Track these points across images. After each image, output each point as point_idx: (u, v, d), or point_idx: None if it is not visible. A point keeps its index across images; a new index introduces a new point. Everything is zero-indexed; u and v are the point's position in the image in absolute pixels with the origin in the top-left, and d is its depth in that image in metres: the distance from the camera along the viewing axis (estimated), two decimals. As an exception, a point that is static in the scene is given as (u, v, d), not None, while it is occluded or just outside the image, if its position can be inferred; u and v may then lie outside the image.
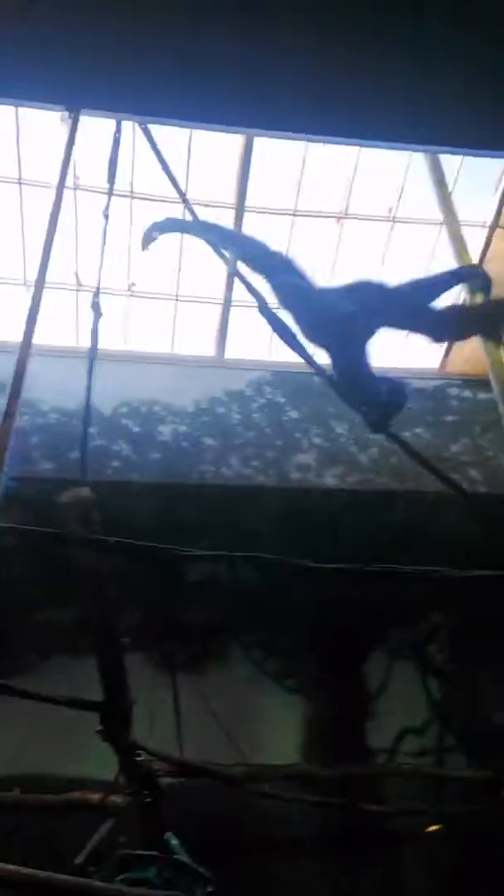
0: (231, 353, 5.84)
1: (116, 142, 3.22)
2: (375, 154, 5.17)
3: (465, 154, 4.18)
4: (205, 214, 5.37)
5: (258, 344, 5.83)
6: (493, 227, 5.54)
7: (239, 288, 5.63)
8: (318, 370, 2.82)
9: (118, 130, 3.18)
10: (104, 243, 3.51)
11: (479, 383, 6.15)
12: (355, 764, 6.02)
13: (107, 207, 3.44)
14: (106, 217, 3.44)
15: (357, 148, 5.08)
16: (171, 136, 3.31)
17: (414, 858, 5.92)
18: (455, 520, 5.62)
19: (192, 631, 5.57)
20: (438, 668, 6.96)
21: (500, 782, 6.22)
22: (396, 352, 6.09)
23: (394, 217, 5.62)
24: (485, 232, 5.62)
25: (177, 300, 5.74)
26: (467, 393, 6.16)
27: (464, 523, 5.56)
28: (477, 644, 6.95)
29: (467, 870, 5.88)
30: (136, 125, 3.06)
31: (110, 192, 3.44)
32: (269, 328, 5.89)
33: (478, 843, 5.85)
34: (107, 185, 3.36)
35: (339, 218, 5.59)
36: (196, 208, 5.49)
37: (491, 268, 5.59)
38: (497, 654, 6.94)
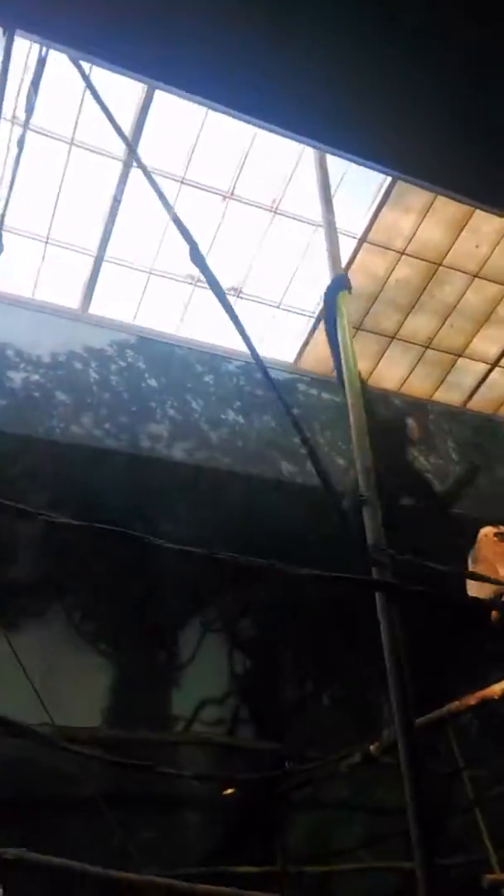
0: (97, 309, 5.67)
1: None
2: (270, 143, 5.27)
3: (352, 160, 4.38)
4: (92, 161, 5.20)
5: (126, 305, 5.73)
6: (363, 240, 5.87)
7: (116, 244, 5.50)
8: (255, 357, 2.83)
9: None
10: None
11: (325, 384, 6.56)
12: (155, 729, 6.20)
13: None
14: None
15: (253, 131, 5.16)
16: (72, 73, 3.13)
17: (197, 820, 6.23)
18: (288, 507, 5.97)
19: (14, 588, 5.38)
20: (244, 644, 7.32)
21: (283, 754, 6.74)
22: (256, 340, 6.31)
23: (276, 209, 5.75)
24: (353, 244, 5.93)
25: (47, 243, 5.45)
26: (313, 390, 6.52)
27: (296, 510, 5.92)
28: (282, 623, 7.42)
29: (239, 833, 6.31)
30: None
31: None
32: (141, 291, 5.86)
33: (252, 810, 6.30)
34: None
35: (226, 197, 5.61)
36: (83, 154, 5.29)
37: (353, 280, 5.99)
38: (298, 635, 7.46)
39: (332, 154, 3.58)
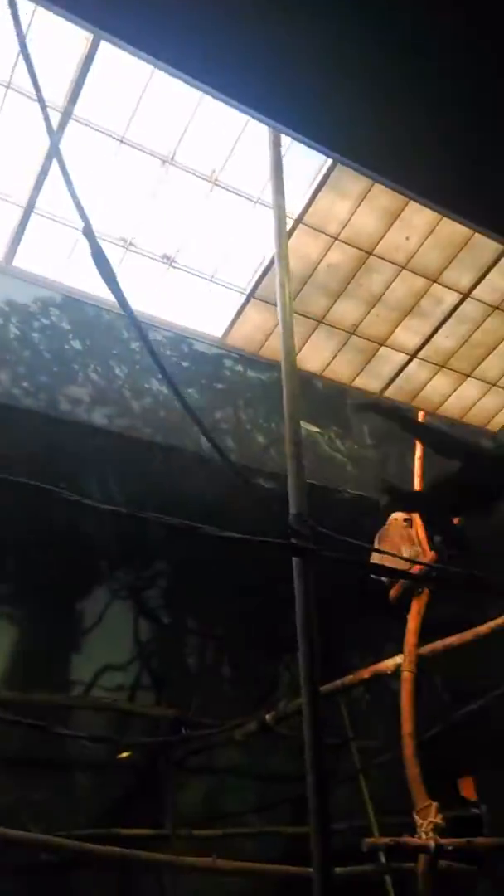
0: (22, 263, 5.48)
1: None
2: (215, 112, 5.20)
3: (290, 135, 4.33)
4: (30, 108, 4.97)
5: (55, 263, 5.55)
6: (298, 221, 5.89)
7: (47, 197, 5.32)
8: (130, 317, 2.80)
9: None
10: None
11: (252, 362, 6.61)
12: (55, 692, 6.18)
13: None
14: None
15: (199, 96, 5.07)
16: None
17: (90, 782, 6.28)
18: (204, 481, 6.00)
19: None
20: (150, 612, 7.37)
21: (181, 721, 6.87)
22: (186, 312, 6.28)
23: (215, 180, 5.69)
24: (289, 224, 5.94)
25: (-27, 188, 5.21)
26: (239, 367, 6.56)
27: (211, 485, 5.97)
28: (189, 594, 7.51)
29: (132, 796, 6.42)
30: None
31: None
32: (70, 249, 5.68)
33: (146, 774, 6.42)
34: None
35: (165, 161, 5.51)
36: (19, 98, 5.06)
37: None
38: (204, 606, 7.57)
39: (272, 126, 3.57)
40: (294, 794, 7.29)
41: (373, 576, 5.90)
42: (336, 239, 5.97)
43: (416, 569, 5.00)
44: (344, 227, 5.90)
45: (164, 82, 4.98)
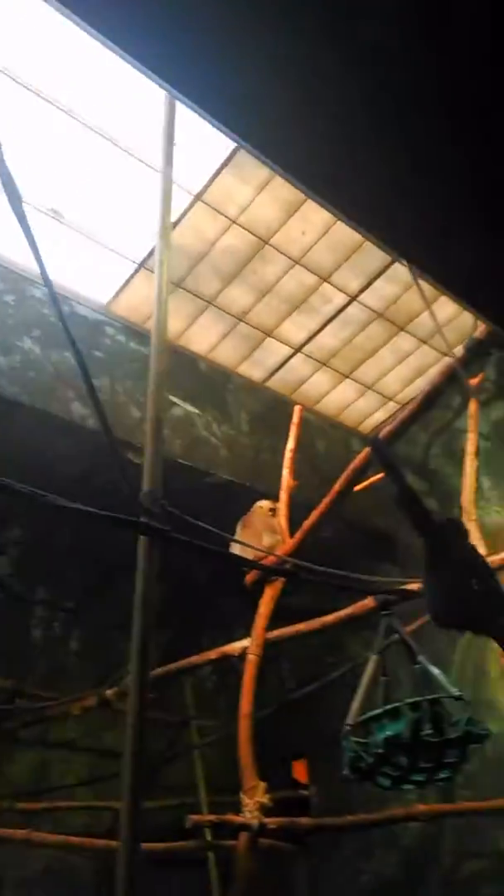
0: None
1: None
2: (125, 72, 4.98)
3: (193, 108, 4.21)
4: None
5: None
6: (198, 196, 5.80)
7: None
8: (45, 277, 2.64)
9: None
10: None
11: (135, 333, 6.47)
12: None
13: None
14: None
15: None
16: None
17: None
18: (70, 449, 5.82)
19: None
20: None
21: (15, 692, 6.68)
22: (71, 273, 6.03)
23: (115, 141, 5.47)
24: (188, 199, 5.83)
25: None
26: (121, 337, 6.39)
27: (77, 454, 5.80)
28: (39, 565, 7.29)
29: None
30: None
31: None
32: None
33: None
34: None
35: (62, 110, 5.22)
36: None
37: (181, 237, 5.94)
38: (54, 578, 7.38)
39: (166, 90, 3.42)
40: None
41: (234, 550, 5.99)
42: (234, 222, 5.93)
43: (269, 559, 5.12)
44: (243, 212, 5.88)
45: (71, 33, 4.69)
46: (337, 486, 4.47)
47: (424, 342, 7.12)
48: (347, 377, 7.50)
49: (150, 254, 6.05)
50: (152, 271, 6.13)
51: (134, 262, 6.06)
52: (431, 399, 3.77)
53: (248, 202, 5.80)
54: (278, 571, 4.62)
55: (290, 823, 4.58)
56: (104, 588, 7.89)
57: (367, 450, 4.35)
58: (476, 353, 3.44)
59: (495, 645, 4.56)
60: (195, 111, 2.64)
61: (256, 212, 5.88)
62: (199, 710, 7.83)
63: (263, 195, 5.75)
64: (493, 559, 4.62)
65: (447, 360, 3.92)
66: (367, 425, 8.19)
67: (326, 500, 4.63)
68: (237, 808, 4.62)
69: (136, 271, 6.11)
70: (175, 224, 5.84)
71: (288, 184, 5.60)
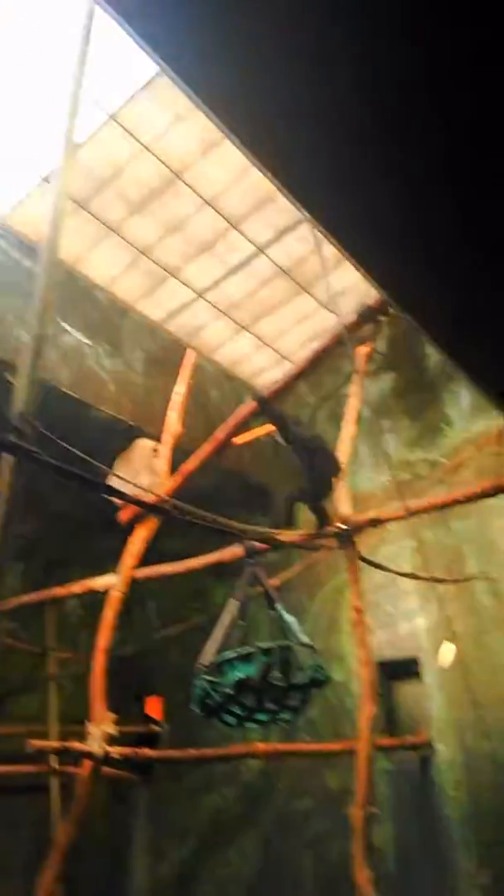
0: None
1: None
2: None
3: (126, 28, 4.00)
4: None
5: None
6: (113, 116, 5.50)
7: None
8: None
9: None
10: None
11: (31, 251, 6.11)
12: None
13: None
14: None
15: None
16: None
17: None
18: None
19: None
20: None
21: None
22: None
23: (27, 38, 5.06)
24: (102, 117, 5.52)
25: None
26: (15, 253, 6.04)
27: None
28: None
29: None
30: None
31: None
32: None
33: None
34: None
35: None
36: None
37: (90, 158, 5.64)
38: None
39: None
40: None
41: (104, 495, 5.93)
42: (147, 149, 5.69)
43: (147, 498, 5.10)
44: (158, 141, 5.64)
45: None
46: (218, 434, 4.50)
47: (324, 306, 7.20)
48: (246, 330, 7.49)
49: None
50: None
51: (39, 176, 5.70)
52: (319, 358, 3.84)
53: (164, 131, 5.56)
54: (155, 508, 4.62)
55: (134, 754, 4.70)
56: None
57: (251, 403, 4.38)
58: (366, 318, 3.52)
59: (348, 598, 4.82)
60: (122, 27, 2.49)
61: (172, 143, 5.66)
62: (60, 643, 7.80)
63: (180, 126, 5.53)
64: (358, 518, 4.85)
65: (339, 323, 3.99)
66: (261, 381, 8.25)
67: (208, 447, 4.66)
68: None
69: (38, 185, 5.75)
70: (84, 142, 5.55)
71: (206, 119, 5.43)
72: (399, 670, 6.36)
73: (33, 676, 7.65)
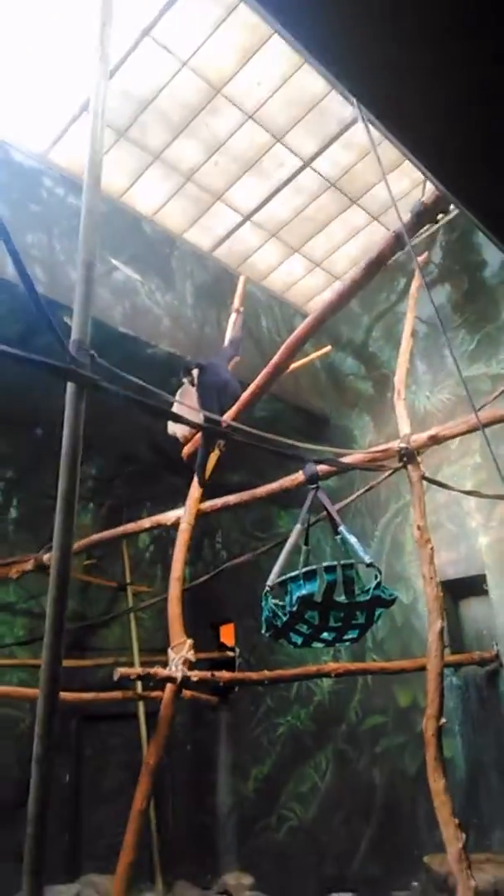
0: None
1: None
2: None
3: None
4: None
5: None
6: (146, 31, 5.25)
7: None
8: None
9: None
10: None
11: (76, 187, 6.02)
12: None
13: None
14: None
15: None
16: None
17: None
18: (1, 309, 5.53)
19: None
20: None
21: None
22: (6, 116, 5.49)
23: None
24: (135, 34, 5.29)
25: None
26: (60, 190, 5.95)
27: (6, 313, 5.50)
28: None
29: None
30: None
31: None
32: None
33: None
34: None
35: None
36: None
37: (126, 81, 5.42)
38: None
39: None
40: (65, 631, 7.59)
41: (169, 430, 5.95)
42: (185, 64, 5.44)
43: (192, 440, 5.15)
44: (194, 55, 5.37)
45: None
46: (274, 360, 4.40)
47: (376, 218, 6.88)
48: (296, 251, 7.25)
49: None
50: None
51: (78, 106, 5.55)
52: (375, 269, 3.65)
53: (201, 43, 5.29)
54: (212, 431, 4.61)
55: (212, 676, 4.82)
56: (43, 458, 7.82)
57: (305, 324, 4.25)
58: (423, 217, 3.30)
59: (411, 521, 4.73)
60: None
61: (209, 55, 5.38)
62: (136, 578, 8.06)
63: (218, 36, 5.24)
64: (419, 437, 4.72)
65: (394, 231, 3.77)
66: (314, 305, 8.03)
67: (265, 375, 4.56)
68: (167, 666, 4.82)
69: (78, 116, 5.61)
70: (119, 64, 5.34)
71: (244, 25, 5.13)
72: (465, 588, 6.31)
73: (114, 610, 7.96)
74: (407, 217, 3.28)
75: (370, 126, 2.51)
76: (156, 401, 2.98)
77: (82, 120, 5.64)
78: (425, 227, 7.22)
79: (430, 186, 3.31)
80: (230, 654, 8.23)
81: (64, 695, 6.24)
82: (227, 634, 8.55)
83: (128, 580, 7.88)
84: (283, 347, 4.32)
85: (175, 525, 5.57)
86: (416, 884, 6.04)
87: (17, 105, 5.46)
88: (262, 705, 7.90)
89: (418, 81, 2.35)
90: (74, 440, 2.61)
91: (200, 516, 6.32)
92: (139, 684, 6.19)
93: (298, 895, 6.93)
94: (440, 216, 3.32)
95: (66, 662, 7.35)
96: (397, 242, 3.55)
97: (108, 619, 7.73)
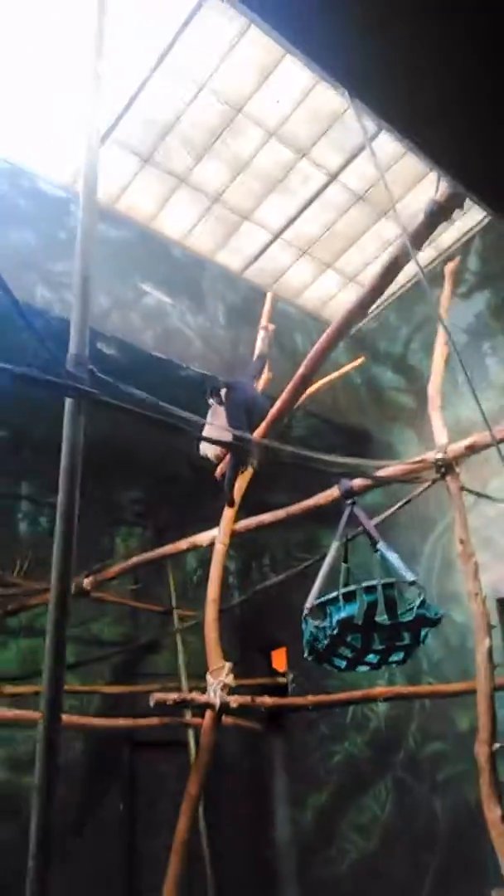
0: None
1: None
2: None
3: None
4: None
5: None
6: (161, 59, 5.32)
7: None
8: None
9: None
10: None
11: (102, 214, 6.10)
12: None
13: None
14: None
15: None
16: None
17: None
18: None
19: None
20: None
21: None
22: (31, 146, 5.63)
23: None
24: (148, 65, 5.36)
25: None
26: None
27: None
28: (25, 461, 7.26)
29: None
30: None
31: None
32: None
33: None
34: None
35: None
36: None
37: (147, 107, 5.50)
38: (39, 473, 7.35)
39: None
40: (111, 656, 7.59)
41: (201, 452, 5.90)
42: (203, 87, 5.47)
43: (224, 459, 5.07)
44: (211, 77, 5.41)
45: None
46: (300, 371, 4.30)
47: (405, 229, 6.71)
48: (329, 267, 7.16)
49: (115, 125, 5.65)
50: (122, 146, 5.79)
51: (98, 133, 5.64)
52: (391, 273, 3.53)
53: (218, 64, 5.32)
54: (239, 448, 4.54)
55: (252, 702, 4.69)
56: (86, 486, 7.89)
57: (328, 333, 4.14)
58: (436, 215, 3.17)
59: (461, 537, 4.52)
60: None
61: (227, 76, 5.41)
62: (184, 602, 7.99)
63: (234, 56, 5.26)
64: (453, 448, 4.52)
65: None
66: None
67: (290, 387, 4.47)
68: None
69: (100, 143, 5.69)
70: (138, 91, 5.42)
71: (259, 43, 5.14)
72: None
73: (162, 635, 7.91)
74: (421, 218, 3.17)
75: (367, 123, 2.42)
76: (161, 413, 2.91)
77: (107, 148, 5.75)
78: (461, 235, 7.07)
79: (443, 185, 3.18)
80: (281, 679, 8.03)
81: (100, 721, 6.19)
82: (279, 659, 8.36)
83: (173, 604, 7.82)
84: (307, 358, 4.23)
85: (212, 546, 5.50)
86: (485, 918, 5.67)
87: (43, 135, 5.59)
88: (317, 732, 7.66)
89: (411, 70, 2.26)
90: (73, 457, 2.58)
91: (247, 539, 6.22)
92: (188, 712, 6.10)
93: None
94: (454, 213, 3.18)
95: (114, 688, 7.32)
96: (413, 244, 3.43)
97: (146, 643, 7.69)
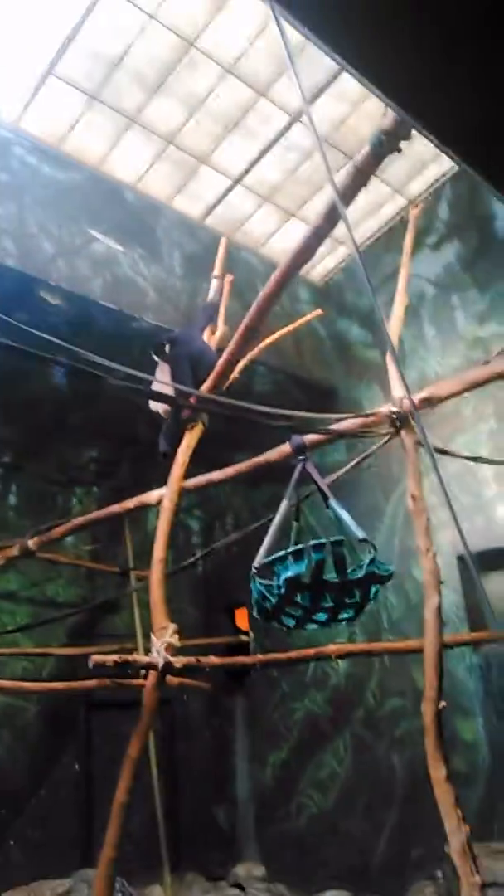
0: None
1: None
2: None
3: None
4: None
5: None
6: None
7: None
8: None
9: None
10: None
11: (49, 156, 5.80)
12: None
13: None
14: None
15: None
16: None
17: None
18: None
19: None
20: None
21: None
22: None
23: None
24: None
25: None
26: (32, 159, 5.69)
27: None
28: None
29: None
30: None
31: None
32: None
33: None
34: None
35: None
36: None
37: (94, 40, 5.12)
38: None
39: None
40: (67, 618, 7.46)
41: (152, 408, 5.68)
42: (154, 18, 5.11)
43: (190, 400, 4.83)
44: (160, 5, 5.04)
45: None
46: (245, 322, 4.08)
47: (375, 174, 6.42)
48: (293, 216, 6.87)
49: (58, 58, 5.27)
50: (67, 83, 5.43)
51: (43, 71, 5.28)
52: (334, 212, 3.29)
53: (167, -9, 4.95)
54: (181, 403, 4.35)
55: (196, 662, 4.55)
56: (43, 445, 7.66)
57: (275, 275, 3.91)
58: (382, 147, 2.94)
59: (425, 492, 4.39)
60: None
61: (177, 6, 5.04)
62: (142, 562, 7.84)
63: (182, -18, 4.90)
64: (407, 402, 4.35)
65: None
66: (318, 273, 7.66)
67: (236, 338, 4.25)
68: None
69: (44, 79, 5.34)
70: (84, 19, 5.04)
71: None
72: (486, 562, 5.90)
73: (120, 596, 7.79)
74: (366, 150, 2.92)
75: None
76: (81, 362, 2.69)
77: (51, 85, 5.39)
78: (431, 183, 6.80)
79: (391, 112, 2.93)
80: (244, 638, 7.97)
81: (34, 685, 6.04)
82: (242, 618, 8.29)
83: (131, 565, 7.68)
84: (252, 307, 3.99)
85: (159, 504, 5.31)
86: (439, 873, 5.71)
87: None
88: (278, 690, 7.63)
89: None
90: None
91: (211, 498, 6.00)
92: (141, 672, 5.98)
93: (320, 885, 6.67)
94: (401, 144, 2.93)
95: (72, 649, 7.18)
96: (360, 179, 3.19)
97: (101, 604, 7.56)
